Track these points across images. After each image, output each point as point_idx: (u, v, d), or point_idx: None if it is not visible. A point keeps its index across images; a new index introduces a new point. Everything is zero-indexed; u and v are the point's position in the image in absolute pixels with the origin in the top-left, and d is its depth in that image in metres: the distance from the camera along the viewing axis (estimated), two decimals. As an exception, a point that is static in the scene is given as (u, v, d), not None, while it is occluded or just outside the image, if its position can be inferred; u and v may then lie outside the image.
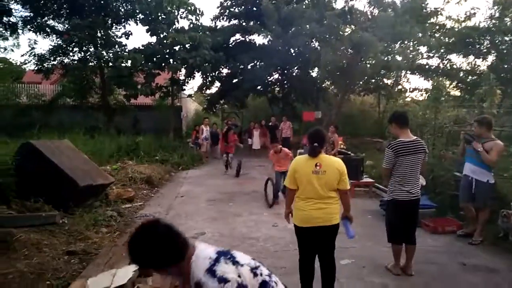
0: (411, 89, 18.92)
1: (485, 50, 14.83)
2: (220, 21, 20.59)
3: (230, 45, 20.31)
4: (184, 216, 6.79)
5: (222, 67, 19.77)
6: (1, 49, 25.52)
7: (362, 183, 8.56)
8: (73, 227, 5.42)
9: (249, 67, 19.13)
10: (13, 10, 16.94)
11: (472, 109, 8.45)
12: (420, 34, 14.44)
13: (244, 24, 19.80)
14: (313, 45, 17.85)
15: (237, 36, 20.79)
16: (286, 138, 15.29)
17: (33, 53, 16.60)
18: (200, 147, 14.90)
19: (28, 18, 16.78)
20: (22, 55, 22.15)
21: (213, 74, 20.03)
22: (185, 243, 1.69)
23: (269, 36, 18.19)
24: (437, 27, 16.44)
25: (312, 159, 3.34)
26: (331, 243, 3.47)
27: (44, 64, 16.46)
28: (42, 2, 16.34)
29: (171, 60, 16.74)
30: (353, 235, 3.60)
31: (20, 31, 17.44)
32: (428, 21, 15.95)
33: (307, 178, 3.32)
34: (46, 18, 17.08)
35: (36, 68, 16.69)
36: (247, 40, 20.85)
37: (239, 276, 1.57)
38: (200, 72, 17.72)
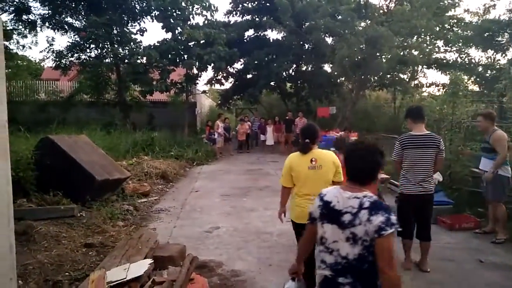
0: (427, 84, 18.64)
1: (505, 44, 14.45)
2: (233, 16, 20.59)
3: (245, 40, 20.29)
4: (199, 210, 6.85)
5: (236, 62, 19.77)
6: (20, 47, 26.06)
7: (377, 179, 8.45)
8: (91, 220, 5.54)
9: (263, 62, 19.08)
10: (32, 8, 17.32)
11: (491, 104, 8.27)
12: (437, 28, 14.16)
13: (257, 19, 19.74)
14: (328, 40, 17.70)
15: (251, 31, 20.76)
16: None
17: (51, 50, 16.93)
18: (214, 143, 15.02)
19: (47, 15, 17.12)
20: (41, 52, 22.60)
21: (227, 69, 20.04)
22: None
23: (283, 31, 18.11)
24: (455, 20, 16.10)
25: (306, 155, 3.32)
26: None
27: (62, 61, 16.78)
28: (60, -1, 16.64)
29: (185, 56, 16.82)
30: None
31: (38, 29, 17.84)
32: (446, 14, 15.63)
33: (304, 175, 3.30)
34: (64, 15, 17.40)
35: (54, 65, 17.02)
36: (261, 35, 20.79)
37: None
38: (214, 68, 17.74)
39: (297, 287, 2.23)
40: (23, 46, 30.90)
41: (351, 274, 1.88)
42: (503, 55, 14.84)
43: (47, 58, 17.65)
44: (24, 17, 17.30)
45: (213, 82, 20.50)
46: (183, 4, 16.48)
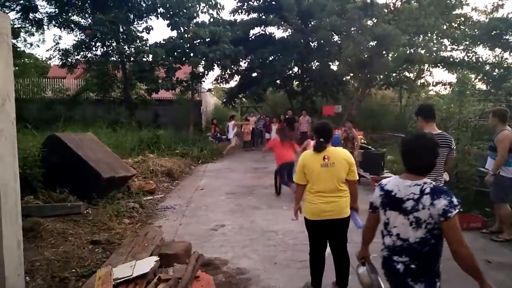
0: (434, 83, 18.52)
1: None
2: (239, 14, 20.58)
3: (250, 39, 20.27)
4: (204, 208, 6.87)
5: (242, 60, 19.76)
6: (28, 45, 26.26)
7: (382, 178, 8.43)
8: (97, 217, 5.58)
9: (267, 61, 19.05)
10: (39, 6, 17.46)
11: (499, 103, 8.19)
12: (444, 26, 14.05)
13: (263, 17, 19.71)
14: (334, 38, 17.62)
15: (257, 29, 20.75)
16: (304, 132, 15.25)
17: (58, 48, 17.10)
18: (219, 141, 15.08)
19: (53, 14, 17.25)
20: (47, 50, 22.75)
21: (233, 67, 20.04)
22: None
23: (288, 29, 18.04)
24: (462, 19, 15.96)
25: (319, 153, 3.34)
26: (343, 236, 3.48)
27: (68, 59, 16.91)
28: (67, -2, 16.74)
29: (191, 54, 16.85)
30: (361, 225, 3.57)
31: (45, 27, 17.99)
32: (453, 13, 15.50)
33: (317, 172, 3.32)
34: (70, 13, 17.50)
35: (60, 63, 17.13)
36: (267, 33, 20.77)
37: None
38: (220, 66, 17.75)
39: (369, 269, 2.46)
40: (31, 44, 31.25)
41: (409, 255, 2.05)
42: (511, 53, 14.70)
43: (53, 57, 17.75)
44: (31, 15, 17.45)
45: (220, 80, 20.51)
46: (189, 2, 16.48)
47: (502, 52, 14.79)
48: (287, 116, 16.72)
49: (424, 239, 2.01)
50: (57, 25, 17.37)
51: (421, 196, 2.00)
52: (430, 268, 2.05)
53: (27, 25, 18.01)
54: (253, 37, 20.64)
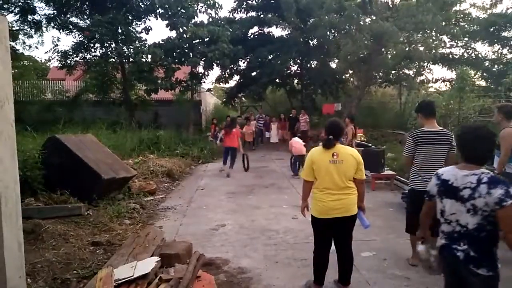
0: (433, 80, 18.50)
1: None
2: (237, 13, 20.54)
3: (249, 38, 20.24)
4: (205, 208, 6.87)
5: (241, 60, 19.75)
6: (27, 47, 26.24)
7: (383, 175, 8.44)
8: (98, 218, 5.58)
9: (266, 59, 19.03)
10: (37, 8, 17.42)
11: (498, 99, 8.18)
12: (443, 23, 14.02)
13: (261, 16, 19.68)
14: (333, 36, 17.60)
15: (255, 28, 20.68)
16: (304, 131, 15.26)
17: (57, 50, 17.08)
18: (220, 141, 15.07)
19: (52, 15, 17.22)
20: (46, 52, 22.62)
21: (232, 67, 20.04)
22: None
23: (287, 28, 18.01)
24: (461, 15, 15.94)
25: (328, 150, 3.36)
26: (349, 233, 3.49)
27: (67, 61, 16.90)
28: (65, -1, 16.72)
29: (190, 54, 16.85)
30: (368, 225, 3.58)
31: (44, 29, 17.94)
32: (452, 9, 15.48)
33: (325, 168, 3.33)
34: (69, 15, 17.49)
35: (59, 65, 17.13)
36: (265, 32, 20.73)
37: None
38: (219, 65, 17.74)
39: (428, 246, 2.64)
40: (30, 46, 31.19)
41: (467, 241, 2.18)
42: (510, 49, 14.69)
43: (52, 58, 17.76)
44: (30, 17, 17.42)
45: (221, 80, 20.51)
46: (187, 2, 16.47)
47: (501, 48, 14.78)
48: (291, 115, 16.72)
49: (481, 225, 2.13)
50: (55, 26, 17.33)
51: (478, 185, 2.12)
52: (489, 252, 2.17)
53: (25, 27, 17.95)
54: (252, 36, 20.60)
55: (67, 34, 17.43)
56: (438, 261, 2.49)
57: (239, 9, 20.34)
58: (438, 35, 14.93)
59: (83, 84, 19.85)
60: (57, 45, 17.39)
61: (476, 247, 2.16)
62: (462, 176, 2.20)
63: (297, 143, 9.78)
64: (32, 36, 19.16)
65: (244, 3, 20.23)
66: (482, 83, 15.34)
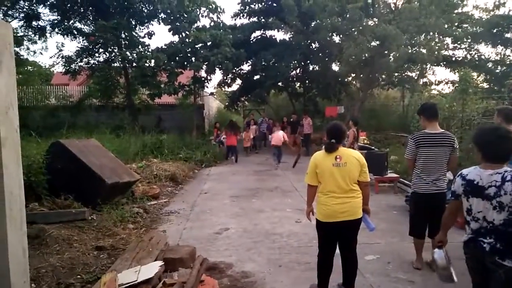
0: (436, 82, 18.46)
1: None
2: (240, 18, 20.63)
3: (251, 42, 20.30)
4: (208, 212, 6.87)
5: (243, 63, 19.78)
6: (31, 53, 26.44)
7: (386, 178, 8.41)
8: (101, 223, 5.60)
9: (269, 63, 19.07)
10: (41, 14, 17.58)
11: (501, 101, 8.15)
12: (446, 25, 14.00)
13: (263, 20, 19.75)
14: (335, 39, 17.62)
15: (257, 32, 20.74)
16: (307, 134, 15.25)
17: (61, 55, 17.19)
18: (223, 145, 15.13)
19: (56, 21, 17.36)
20: (50, 57, 22.91)
21: (234, 71, 20.09)
22: None
23: (289, 31, 18.04)
24: (464, 17, 15.92)
25: (331, 154, 3.35)
26: (353, 237, 3.47)
27: (71, 66, 16.99)
28: (69, 5, 16.85)
29: (193, 59, 16.91)
30: (373, 227, 3.57)
31: (48, 34, 18.11)
32: (454, 12, 15.46)
33: (329, 172, 3.32)
34: (72, 21, 17.63)
35: (63, 70, 17.25)
36: (268, 36, 20.79)
37: None
38: (222, 69, 17.80)
39: (444, 253, 2.70)
40: (34, 52, 31.51)
41: (494, 236, 2.27)
42: (513, 51, 14.66)
43: (56, 64, 17.93)
44: (34, 23, 17.59)
45: (223, 84, 20.54)
46: (190, 7, 16.56)
47: (504, 49, 14.74)
48: (291, 120, 16.73)
49: (507, 220, 2.23)
50: (59, 32, 17.47)
51: (503, 183, 2.24)
52: None
53: (30, 33, 18.15)
54: (254, 40, 20.66)
55: (71, 40, 17.69)
56: (450, 269, 2.60)
57: (242, 14, 20.43)
58: (441, 37, 14.90)
59: (86, 89, 19.96)
60: (61, 50, 17.51)
61: (502, 241, 2.25)
62: (487, 175, 2.30)
63: (275, 134, 10.73)
64: (36, 42, 19.40)
65: (247, 7, 20.31)
66: (485, 85, 15.27)
